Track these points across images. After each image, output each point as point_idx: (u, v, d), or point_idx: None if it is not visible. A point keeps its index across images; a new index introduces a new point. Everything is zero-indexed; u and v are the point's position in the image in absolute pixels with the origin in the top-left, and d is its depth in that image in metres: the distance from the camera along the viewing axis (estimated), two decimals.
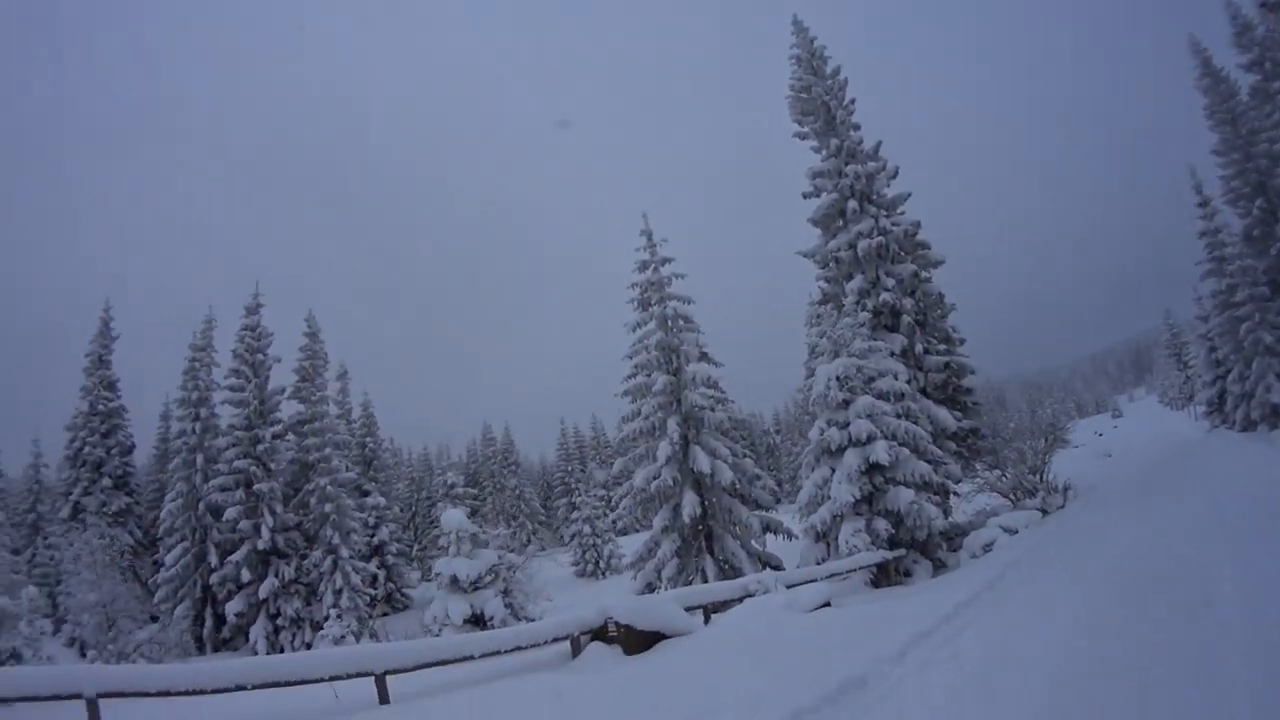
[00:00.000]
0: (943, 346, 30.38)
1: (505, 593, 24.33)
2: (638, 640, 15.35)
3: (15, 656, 23.18)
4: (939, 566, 24.98)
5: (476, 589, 23.34)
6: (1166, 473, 34.07)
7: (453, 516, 23.99)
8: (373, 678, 12.49)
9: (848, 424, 24.21)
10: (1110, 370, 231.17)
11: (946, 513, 28.45)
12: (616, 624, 15.63)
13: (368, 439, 56.45)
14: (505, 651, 14.68)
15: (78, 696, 10.59)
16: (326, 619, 35.53)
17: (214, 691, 11.30)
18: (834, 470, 24.33)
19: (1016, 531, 25.61)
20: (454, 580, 23.15)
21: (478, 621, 22.83)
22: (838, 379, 24.59)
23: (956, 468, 29.08)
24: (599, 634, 15.90)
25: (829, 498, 24.09)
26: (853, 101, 32.25)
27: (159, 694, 11.02)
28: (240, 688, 11.41)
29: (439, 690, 12.90)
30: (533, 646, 15.20)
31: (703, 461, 27.21)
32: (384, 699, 12.37)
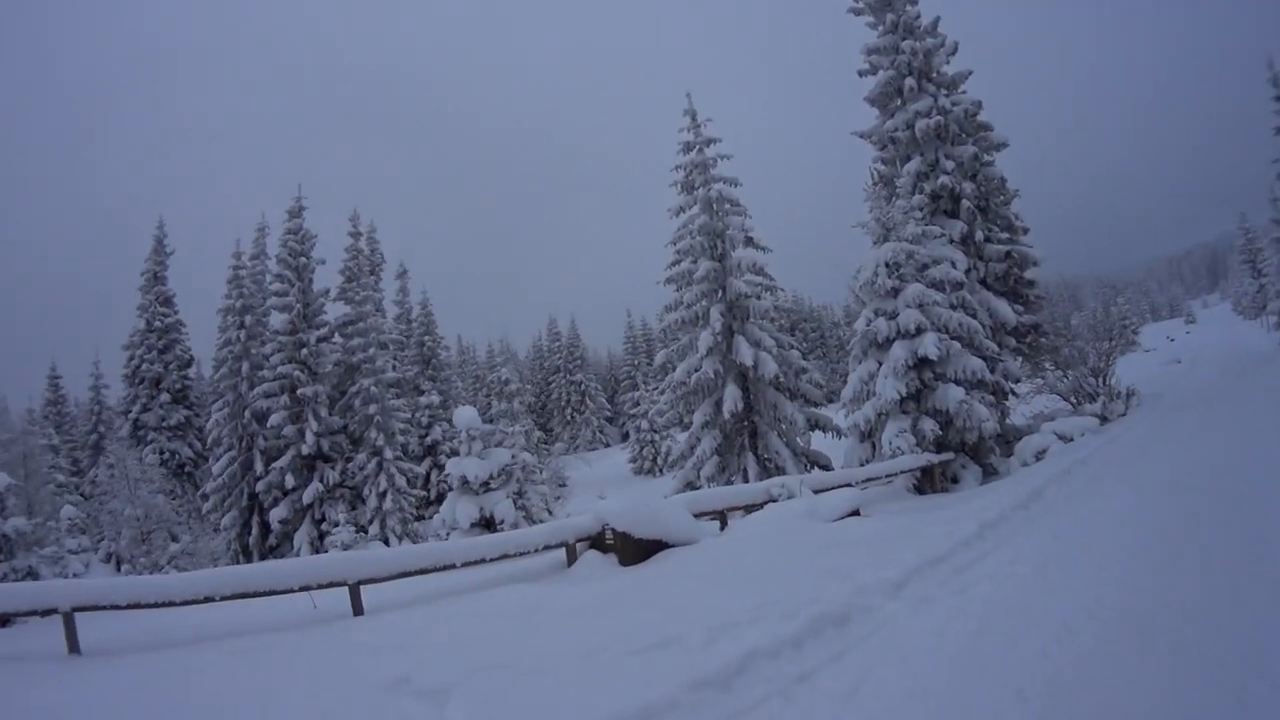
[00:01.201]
0: (1005, 235, 28.03)
1: (519, 494, 22.90)
2: (635, 549, 13.94)
3: (31, 574, 23.10)
4: (990, 472, 23.03)
5: (488, 490, 21.90)
6: (1236, 385, 31.48)
7: (464, 414, 22.45)
8: (347, 588, 11.80)
9: (896, 314, 22.18)
10: (1185, 275, 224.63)
11: (1004, 414, 26.50)
12: (613, 531, 14.14)
13: (426, 337, 55.03)
14: (491, 560, 13.66)
15: (54, 611, 10.60)
16: (328, 525, 34.62)
17: (183, 603, 10.97)
18: (880, 364, 22.36)
19: (1071, 439, 23.54)
20: (464, 481, 21.71)
21: (488, 525, 21.61)
22: (886, 265, 22.52)
23: (1015, 365, 26.94)
24: (597, 541, 14.57)
25: (874, 394, 22.18)
26: None
27: (129, 606, 10.74)
28: (209, 599, 11.08)
29: (416, 601, 12.17)
30: (521, 555, 14.07)
31: (746, 353, 25.34)
32: (358, 610, 11.83)
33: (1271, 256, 54.12)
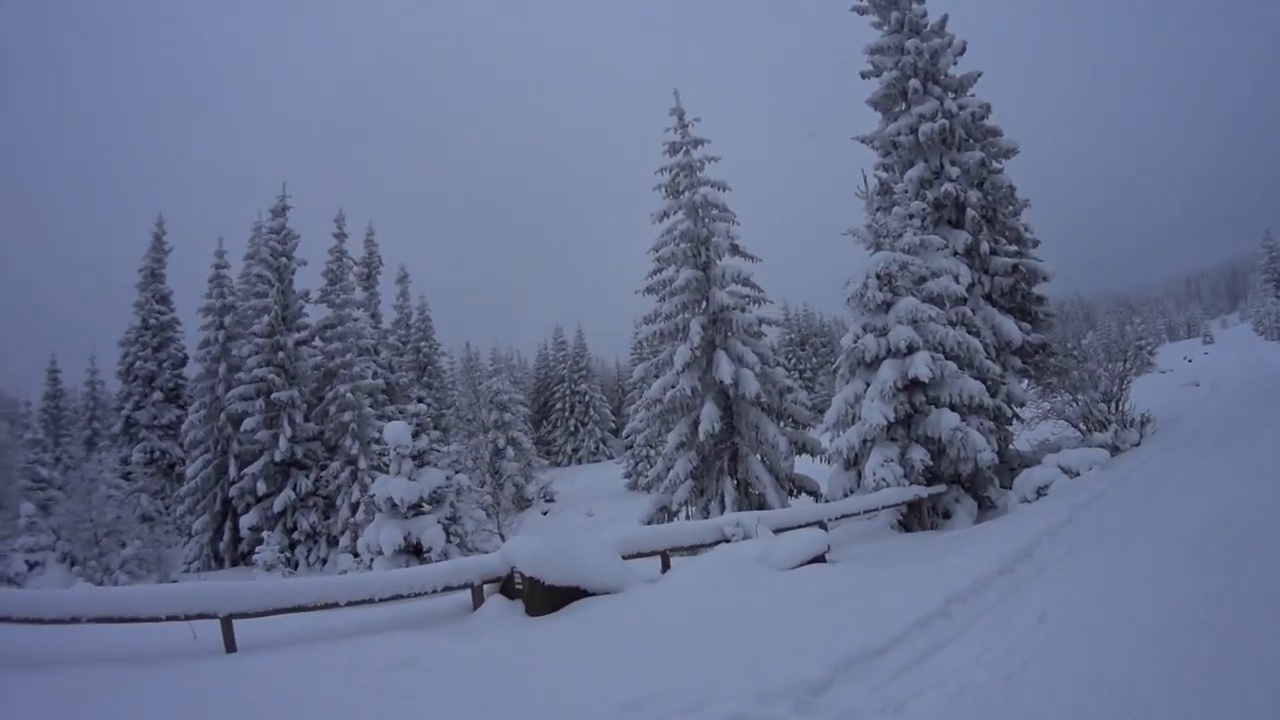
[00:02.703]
0: (1013, 247, 25.65)
1: (452, 520, 20.65)
2: (544, 598, 11.74)
3: None
4: (987, 506, 20.57)
5: (418, 514, 19.72)
6: (1265, 412, 28.05)
7: (394, 430, 20.27)
8: (218, 620, 10.55)
9: (886, 330, 19.81)
10: (1204, 294, 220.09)
11: (1006, 440, 24.11)
12: (521, 575, 11.90)
13: (422, 343, 53.49)
14: (381, 600, 11.62)
15: None
16: (299, 534, 32.88)
17: (52, 621, 10.06)
18: (867, 385, 19.98)
19: (1077, 473, 20.68)
20: (391, 504, 19.54)
21: (416, 552, 19.50)
22: (878, 276, 20.14)
23: (1020, 389, 24.50)
24: (507, 584, 12.33)
25: (859, 418, 19.75)
26: None
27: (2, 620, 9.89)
28: (76, 620, 10.12)
29: (295, 641, 10.64)
30: (416, 596, 11.95)
31: (725, 369, 22.97)
32: (230, 646, 10.43)
33: None
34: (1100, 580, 9.95)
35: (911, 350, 19.29)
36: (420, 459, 20.78)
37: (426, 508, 19.90)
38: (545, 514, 44.67)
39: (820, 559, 13.90)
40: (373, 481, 32.91)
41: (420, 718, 7.42)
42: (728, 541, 14.77)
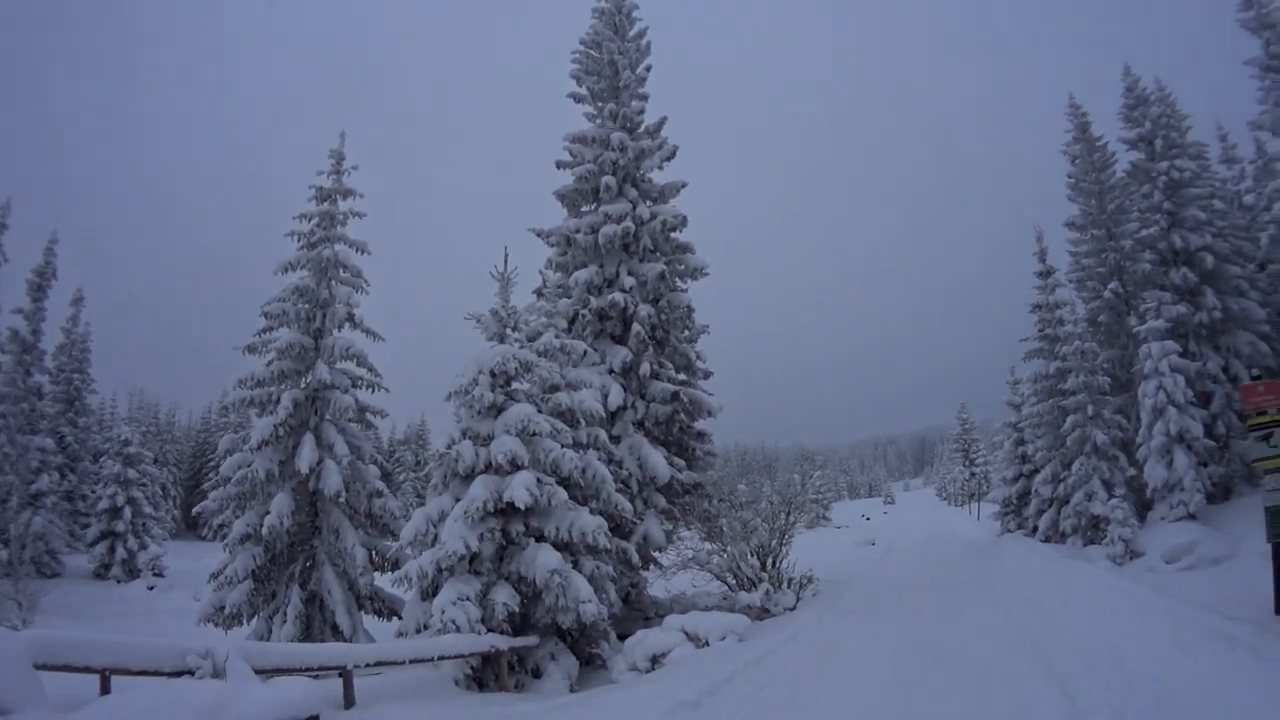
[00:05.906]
0: (680, 375, 23.57)
1: None
2: None
3: None
4: (597, 665, 17.29)
5: None
6: (948, 580, 25.88)
7: None
8: None
9: (491, 439, 15.85)
10: (890, 458, 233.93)
11: (639, 588, 20.95)
12: None
13: (75, 375, 46.95)
14: None
15: None
16: None
17: None
18: (458, 501, 15.82)
19: (706, 643, 17.20)
20: None
21: None
22: (492, 373, 16.58)
23: (660, 531, 21.40)
24: None
25: (440, 540, 15.49)
26: (648, 69, 25.16)
27: None
28: None
29: None
30: None
31: (306, 457, 19.40)
32: None
33: (1000, 441, 49.70)
34: None
35: (515, 468, 16.07)
36: None
37: None
38: (151, 589, 39.10)
39: None
40: None
41: None
42: (191, 674, 10.94)
